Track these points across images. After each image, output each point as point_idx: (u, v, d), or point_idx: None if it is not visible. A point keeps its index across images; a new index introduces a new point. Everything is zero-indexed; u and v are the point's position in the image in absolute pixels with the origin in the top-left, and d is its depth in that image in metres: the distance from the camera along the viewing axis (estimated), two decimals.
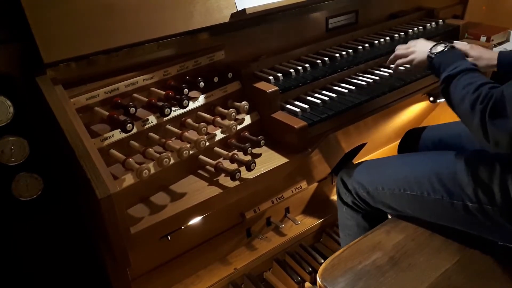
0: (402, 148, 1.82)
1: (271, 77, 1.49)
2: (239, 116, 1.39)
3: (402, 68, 1.57)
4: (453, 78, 1.19)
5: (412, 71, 1.64)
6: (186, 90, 1.31)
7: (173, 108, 1.27)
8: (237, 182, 1.23)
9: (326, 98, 1.50)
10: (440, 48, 1.32)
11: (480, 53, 1.53)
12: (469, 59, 1.56)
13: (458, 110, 1.17)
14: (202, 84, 1.35)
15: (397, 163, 1.46)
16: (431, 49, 1.34)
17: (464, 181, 1.21)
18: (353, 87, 1.58)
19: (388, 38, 1.85)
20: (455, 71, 1.19)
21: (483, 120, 1.05)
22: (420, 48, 1.42)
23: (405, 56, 1.47)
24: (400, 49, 1.51)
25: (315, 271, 1.76)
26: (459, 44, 1.63)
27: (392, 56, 1.54)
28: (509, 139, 1.01)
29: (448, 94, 1.20)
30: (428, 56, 1.34)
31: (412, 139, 1.74)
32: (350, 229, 1.59)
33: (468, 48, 1.57)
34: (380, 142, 2.30)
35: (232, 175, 1.21)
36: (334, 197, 2.16)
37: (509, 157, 1.20)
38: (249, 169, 1.24)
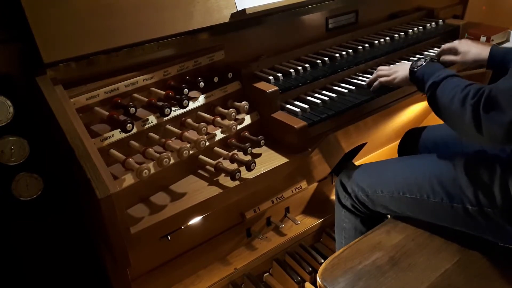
0: (402, 148, 1.82)
1: (271, 77, 1.49)
2: (239, 116, 1.39)
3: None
4: (438, 83, 1.21)
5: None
6: (186, 90, 1.31)
7: (173, 108, 1.27)
8: (237, 182, 1.23)
9: (326, 98, 1.50)
10: (421, 62, 1.37)
11: (468, 48, 1.55)
12: (457, 56, 1.57)
13: (446, 113, 1.18)
14: (202, 84, 1.35)
15: (396, 166, 1.46)
16: (412, 64, 1.39)
17: (464, 184, 1.21)
18: (353, 87, 1.58)
19: (388, 38, 1.85)
20: (440, 77, 1.22)
21: (476, 114, 1.05)
22: (401, 67, 1.47)
23: (387, 75, 1.50)
24: (382, 70, 1.54)
25: (315, 271, 1.76)
26: (447, 45, 1.64)
27: (374, 76, 1.56)
28: (505, 133, 1.02)
29: (435, 99, 1.21)
30: (411, 71, 1.38)
31: (412, 139, 1.74)
32: (347, 233, 1.59)
33: (457, 44, 1.59)
34: (380, 142, 2.30)
35: (232, 175, 1.21)
36: (334, 197, 2.17)
37: (510, 158, 1.20)
38: (249, 169, 1.24)
